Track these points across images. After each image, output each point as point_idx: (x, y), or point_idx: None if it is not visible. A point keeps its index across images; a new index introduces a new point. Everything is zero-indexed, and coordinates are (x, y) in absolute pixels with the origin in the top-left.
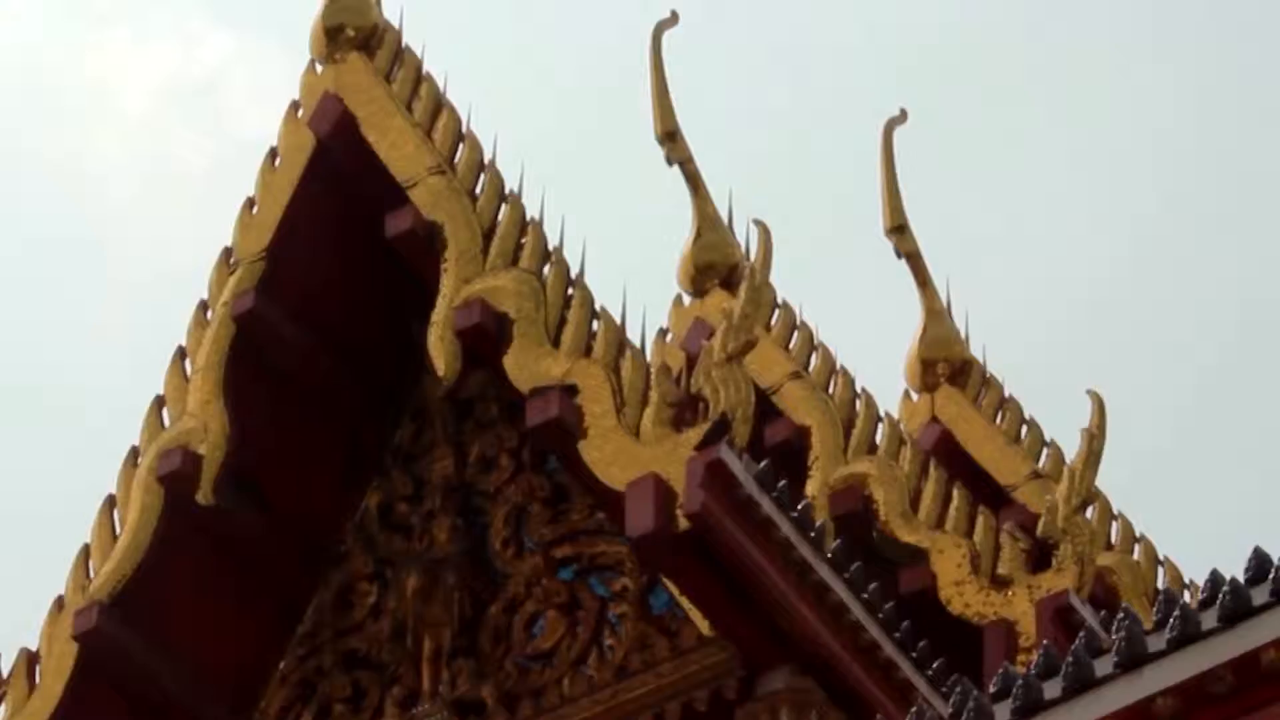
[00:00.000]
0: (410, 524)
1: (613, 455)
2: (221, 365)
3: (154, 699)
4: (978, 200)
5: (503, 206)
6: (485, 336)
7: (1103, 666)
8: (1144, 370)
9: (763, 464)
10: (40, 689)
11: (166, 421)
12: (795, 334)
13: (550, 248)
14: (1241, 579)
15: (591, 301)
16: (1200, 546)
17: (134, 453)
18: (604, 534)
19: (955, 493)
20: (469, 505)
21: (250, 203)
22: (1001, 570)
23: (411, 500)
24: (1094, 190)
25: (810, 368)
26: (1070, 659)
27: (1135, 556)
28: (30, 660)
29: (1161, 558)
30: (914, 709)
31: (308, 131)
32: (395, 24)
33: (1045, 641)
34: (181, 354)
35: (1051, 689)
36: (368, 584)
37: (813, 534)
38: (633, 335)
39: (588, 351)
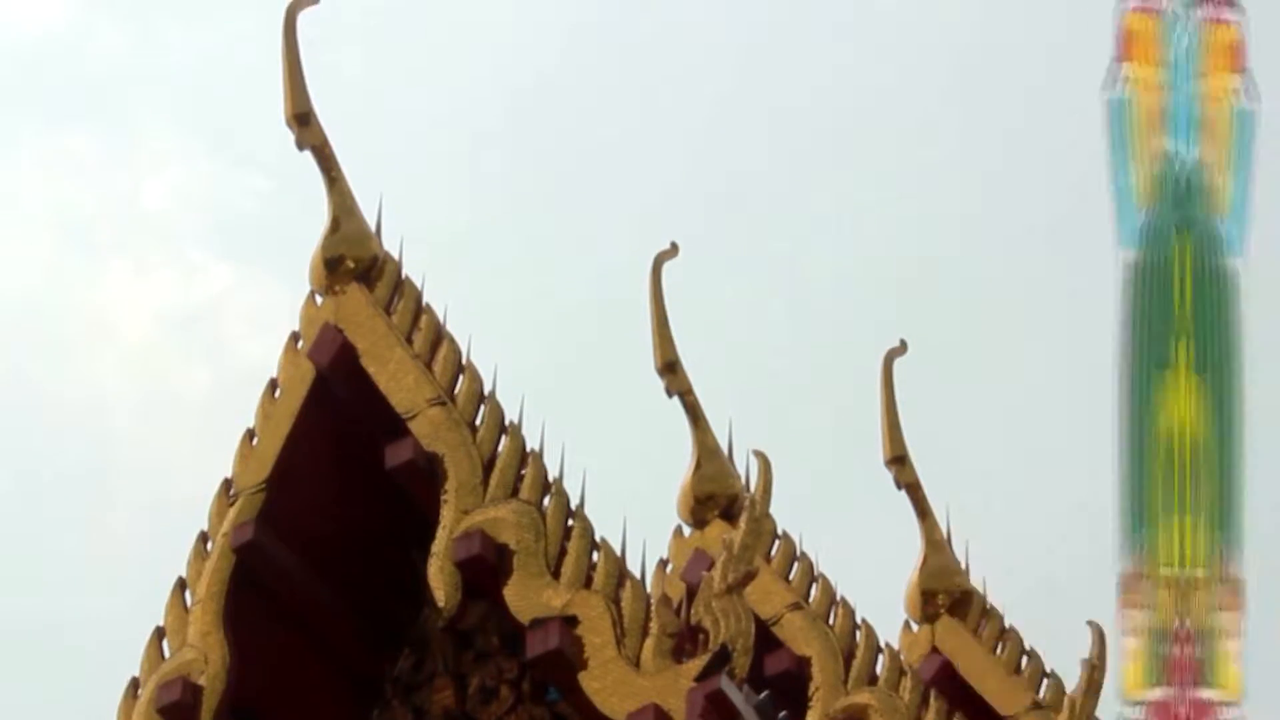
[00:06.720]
0: None
1: (613, 686)
2: (222, 596)
3: None
4: (978, 428)
5: (503, 437)
6: (485, 567)
7: None
8: None
9: (763, 694)
10: None
11: (167, 652)
12: (795, 565)
13: (550, 478)
14: None
15: (591, 532)
16: None
17: (134, 684)
18: None
19: None
20: None
21: (250, 434)
22: None
23: None
24: (1095, 419)
25: (810, 598)
26: None
27: None
28: None
29: None
30: None
31: (308, 363)
32: (395, 255)
33: None
34: (182, 585)
35: None
36: None
37: None
38: (633, 566)
39: (588, 582)
